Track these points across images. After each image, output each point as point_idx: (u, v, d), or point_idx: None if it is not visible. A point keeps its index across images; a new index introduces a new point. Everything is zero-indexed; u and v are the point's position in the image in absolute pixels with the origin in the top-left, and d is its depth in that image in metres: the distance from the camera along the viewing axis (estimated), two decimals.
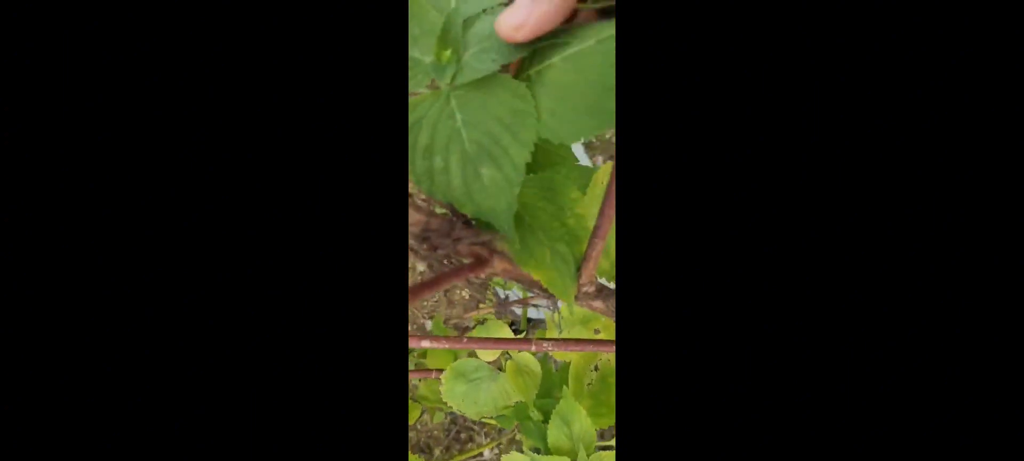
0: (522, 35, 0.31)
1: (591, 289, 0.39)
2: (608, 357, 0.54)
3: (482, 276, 0.32)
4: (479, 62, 0.37)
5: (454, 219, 0.34)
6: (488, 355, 0.52)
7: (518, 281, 0.35)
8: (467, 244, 0.33)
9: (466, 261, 0.34)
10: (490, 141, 0.33)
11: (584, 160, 1.20)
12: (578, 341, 0.49)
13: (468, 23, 0.38)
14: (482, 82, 0.34)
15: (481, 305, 0.43)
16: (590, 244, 0.36)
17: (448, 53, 0.36)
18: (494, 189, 0.32)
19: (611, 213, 0.33)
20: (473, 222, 0.35)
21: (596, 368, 0.54)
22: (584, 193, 0.44)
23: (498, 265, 0.34)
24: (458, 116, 0.34)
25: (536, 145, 0.34)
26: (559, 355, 0.55)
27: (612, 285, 0.42)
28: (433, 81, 0.34)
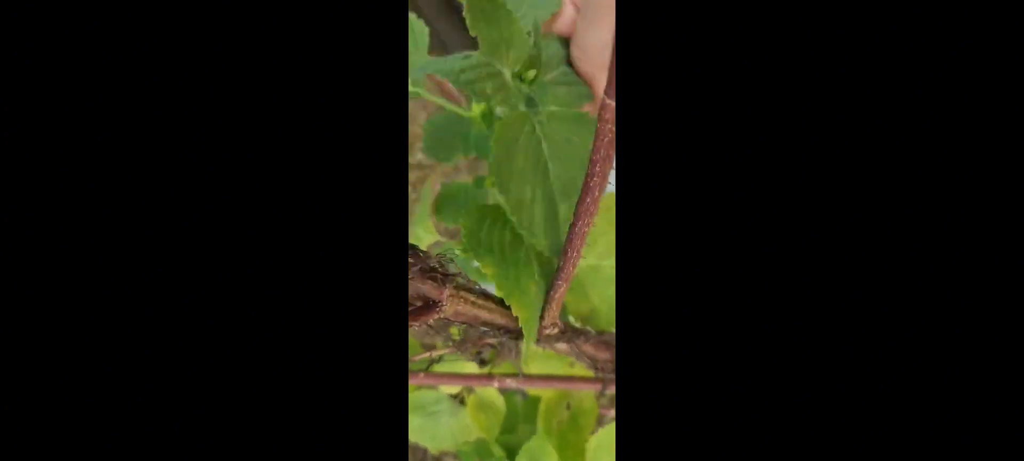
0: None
1: (554, 331, 0.36)
2: (581, 396, 0.51)
3: (430, 322, 0.29)
4: (565, 84, 0.35)
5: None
6: (449, 386, 0.49)
7: (471, 324, 0.32)
8: (416, 281, 0.30)
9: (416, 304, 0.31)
10: (569, 180, 0.32)
11: None
12: (545, 378, 0.46)
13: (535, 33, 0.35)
14: (566, 115, 0.33)
15: (450, 339, 0.40)
16: (552, 286, 0.33)
17: (532, 73, 0.34)
18: (566, 227, 0.31)
19: (574, 255, 0.30)
20: (420, 252, 0.31)
21: (569, 407, 0.51)
22: None
23: (449, 308, 0.31)
24: (545, 148, 0.32)
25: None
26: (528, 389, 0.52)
27: (580, 325, 0.39)
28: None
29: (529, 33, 0.33)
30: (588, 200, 0.28)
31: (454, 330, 0.40)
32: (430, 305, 0.30)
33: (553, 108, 0.33)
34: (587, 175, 0.27)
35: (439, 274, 0.31)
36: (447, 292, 0.31)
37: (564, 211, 0.31)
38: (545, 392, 0.49)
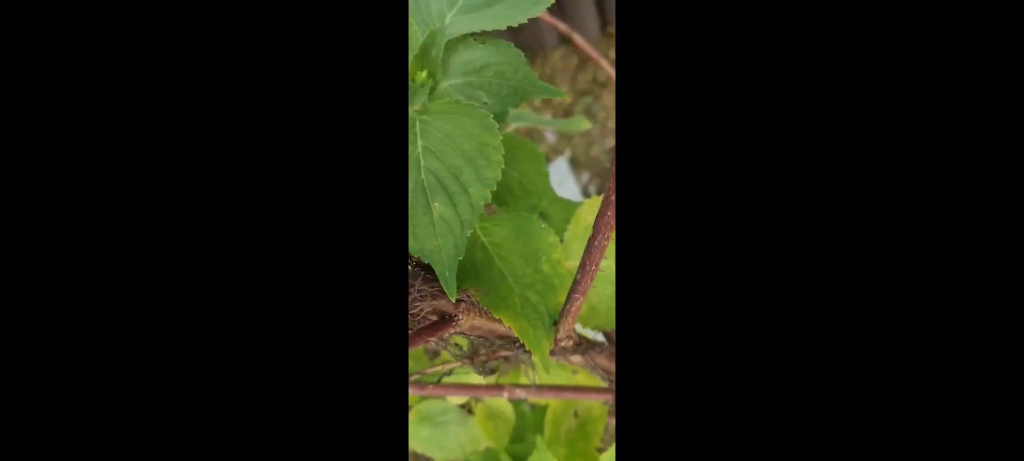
0: None
1: (569, 344, 0.35)
2: (589, 403, 0.51)
3: (446, 337, 0.29)
4: (464, 95, 0.34)
5: (416, 269, 0.30)
6: (457, 397, 0.48)
7: (486, 337, 0.32)
8: (430, 300, 0.29)
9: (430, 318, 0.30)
10: (449, 174, 0.30)
11: (569, 178, 1.16)
12: (554, 388, 0.46)
13: (451, 47, 0.35)
14: (450, 108, 0.31)
15: (459, 350, 0.40)
16: (569, 299, 0.32)
17: (424, 75, 0.33)
18: (443, 228, 0.29)
19: (593, 269, 0.30)
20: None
21: (576, 414, 0.51)
22: (565, 228, 0.40)
23: (465, 322, 0.30)
24: (419, 142, 0.30)
25: (506, 171, 0.31)
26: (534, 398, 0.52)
27: (591, 336, 0.39)
28: None
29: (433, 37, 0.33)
30: (609, 213, 0.27)
31: (462, 340, 0.39)
32: (446, 319, 0.29)
33: (441, 102, 0.31)
34: (607, 189, 0.26)
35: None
36: (463, 306, 0.30)
37: (441, 209, 0.29)
38: (551, 399, 0.48)
